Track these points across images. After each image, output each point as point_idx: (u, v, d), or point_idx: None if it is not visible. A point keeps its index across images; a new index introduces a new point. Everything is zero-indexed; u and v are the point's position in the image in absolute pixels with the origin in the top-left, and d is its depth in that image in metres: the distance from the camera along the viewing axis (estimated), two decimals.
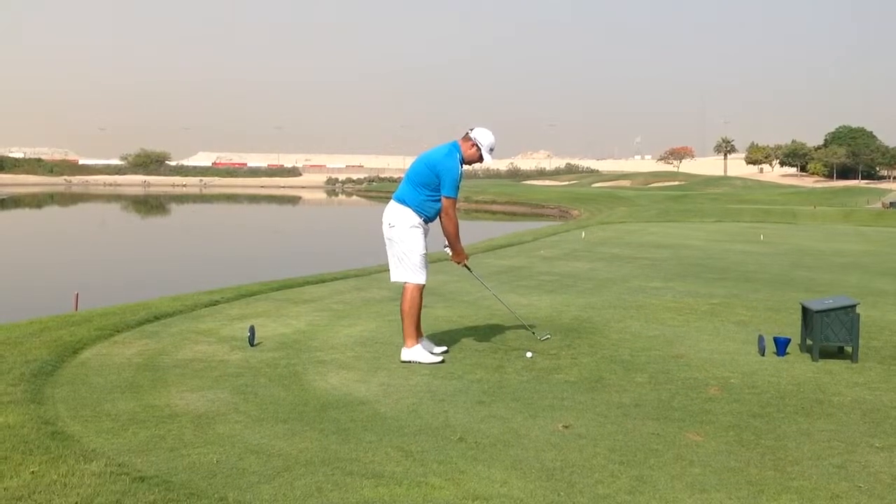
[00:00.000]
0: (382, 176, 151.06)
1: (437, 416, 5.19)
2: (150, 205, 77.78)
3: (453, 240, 6.93)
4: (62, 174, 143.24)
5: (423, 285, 6.85)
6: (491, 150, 6.90)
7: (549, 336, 7.38)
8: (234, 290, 10.19)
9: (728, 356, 7.13)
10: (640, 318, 8.99)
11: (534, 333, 7.37)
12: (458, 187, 6.82)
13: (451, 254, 7.06)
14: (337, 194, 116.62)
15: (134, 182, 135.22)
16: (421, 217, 6.81)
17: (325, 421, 5.04)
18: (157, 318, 8.21)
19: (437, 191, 6.74)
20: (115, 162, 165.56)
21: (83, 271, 22.76)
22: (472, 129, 6.92)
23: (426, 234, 6.91)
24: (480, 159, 6.92)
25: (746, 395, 5.88)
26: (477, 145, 6.85)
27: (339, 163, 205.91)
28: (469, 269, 7.24)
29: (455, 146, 6.86)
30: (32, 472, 3.97)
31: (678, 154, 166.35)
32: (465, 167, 6.97)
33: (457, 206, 6.86)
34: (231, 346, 7.08)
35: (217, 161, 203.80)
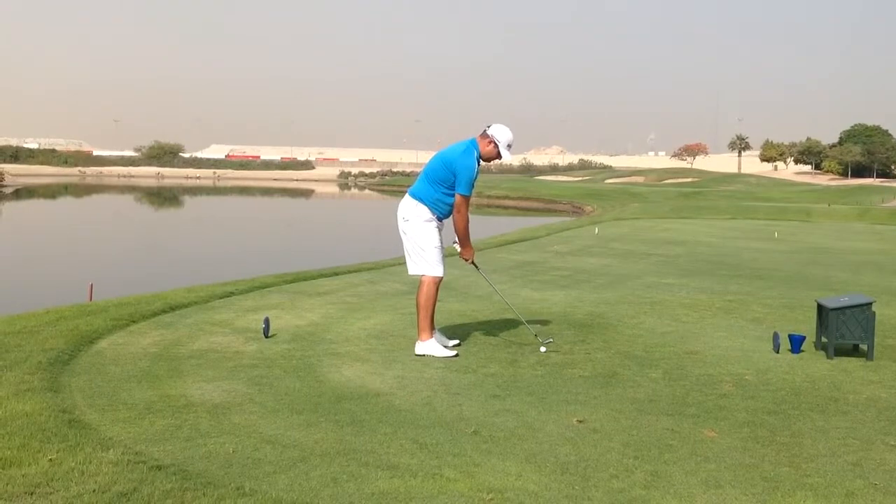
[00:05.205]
0: (395, 170, 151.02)
1: (452, 410, 5.20)
2: (163, 197, 78.00)
3: (463, 236, 6.93)
4: (76, 165, 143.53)
5: (441, 278, 6.86)
6: (509, 146, 6.85)
7: (551, 340, 7.11)
8: (248, 282, 10.22)
9: (743, 353, 7.11)
10: (654, 314, 8.98)
11: (536, 336, 7.17)
12: (473, 185, 6.80)
13: (459, 250, 7.05)
14: (349, 188, 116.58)
15: (148, 174, 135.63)
16: (435, 214, 6.81)
17: (341, 412, 5.05)
18: (172, 309, 8.23)
19: (452, 188, 6.73)
20: (129, 153, 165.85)
21: (97, 262, 22.87)
22: (489, 126, 6.88)
23: (441, 229, 6.92)
24: (499, 156, 6.90)
25: (761, 391, 5.87)
26: (495, 142, 6.81)
27: (351, 156, 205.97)
28: (476, 266, 7.22)
29: (473, 144, 6.83)
30: (50, 459, 4.00)
31: (692, 151, 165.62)
32: (481, 164, 6.95)
33: (469, 201, 6.84)
34: (246, 338, 7.11)
35: (230, 153, 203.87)
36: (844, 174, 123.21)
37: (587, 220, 33.00)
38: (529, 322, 8.02)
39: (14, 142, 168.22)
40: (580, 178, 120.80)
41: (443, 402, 5.36)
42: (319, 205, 76.64)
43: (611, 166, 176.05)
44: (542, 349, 6.89)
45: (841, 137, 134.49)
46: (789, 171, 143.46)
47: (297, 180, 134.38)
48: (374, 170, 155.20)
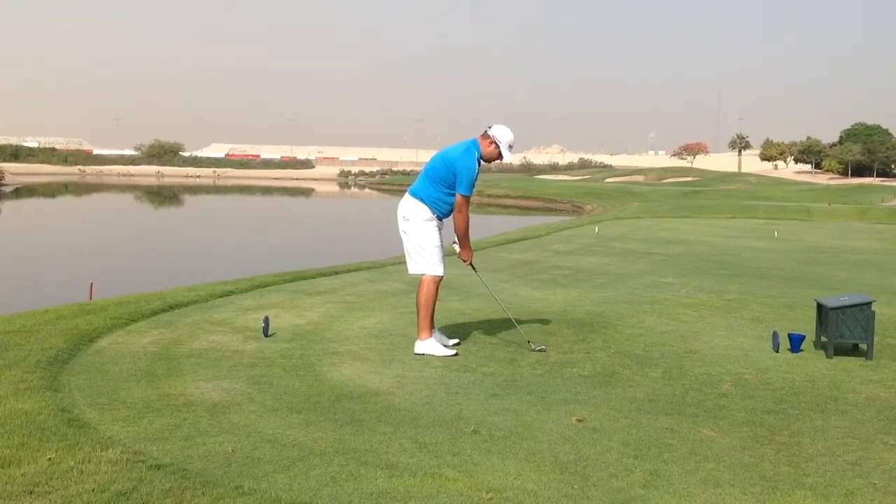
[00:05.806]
0: (395, 169, 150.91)
1: (451, 409, 5.20)
2: (163, 196, 77.94)
3: (462, 237, 6.93)
4: (76, 164, 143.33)
5: (441, 277, 6.86)
6: (510, 147, 6.85)
7: (543, 348, 7.00)
8: (248, 281, 10.22)
9: (742, 352, 7.11)
10: (654, 313, 8.98)
11: (528, 342, 7.02)
12: (474, 186, 6.81)
13: (458, 250, 7.05)
14: (349, 187, 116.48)
15: (148, 173, 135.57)
16: (435, 213, 6.81)
17: (340, 411, 5.05)
18: (171, 308, 8.24)
19: (452, 188, 6.74)
20: (129, 152, 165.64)
21: (97, 261, 22.84)
22: (490, 127, 6.89)
23: (441, 228, 6.92)
24: (500, 156, 6.90)
25: (761, 391, 5.87)
26: (496, 143, 6.82)
27: (351, 155, 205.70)
28: (474, 268, 7.20)
29: (474, 144, 6.84)
30: (49, 458, 4.00)
31: (692, 150, 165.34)
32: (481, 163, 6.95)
33: (469, 201, 6.84)
34: (245, 337, 7.11)
35: (230, 152, 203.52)
36: (844, 173, 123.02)
37: (587, 220, 33.00)
38: (529, 322, 8.03)
39: (14, 140, 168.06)
40: (580, 177, 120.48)
41: (442, 402, 5.36)
42: (319, 204, 76.57)
43: (611, 165, 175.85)
44: (542, 348, 6.89)
45: (841, 136, 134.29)
46: (789, 170, 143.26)
47: (297, 179, 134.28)
48: (375, 169, 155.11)
